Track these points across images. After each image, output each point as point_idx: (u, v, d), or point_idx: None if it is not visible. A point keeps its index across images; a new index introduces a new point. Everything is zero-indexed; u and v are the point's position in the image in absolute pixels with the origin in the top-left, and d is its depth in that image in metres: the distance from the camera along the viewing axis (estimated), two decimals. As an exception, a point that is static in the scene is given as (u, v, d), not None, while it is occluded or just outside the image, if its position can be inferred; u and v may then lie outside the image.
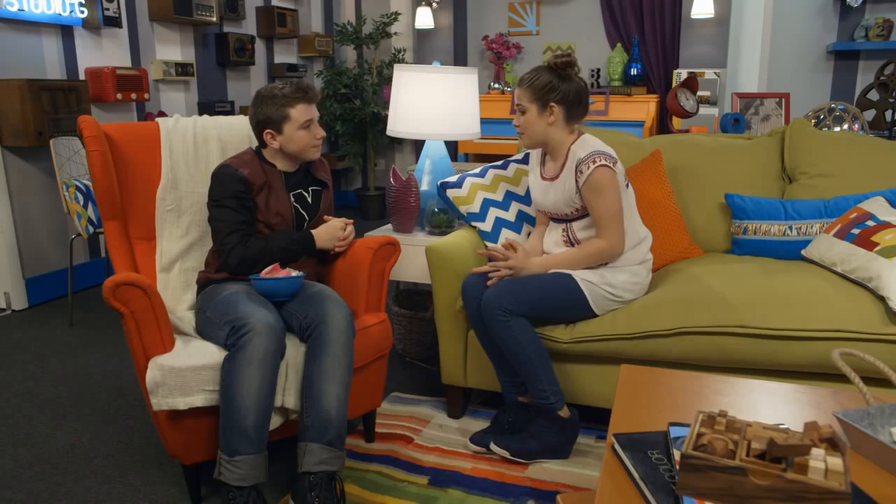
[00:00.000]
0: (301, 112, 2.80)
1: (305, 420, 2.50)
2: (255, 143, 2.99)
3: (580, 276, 2.83)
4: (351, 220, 3.00)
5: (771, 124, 4.59)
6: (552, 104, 2.82)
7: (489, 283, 2.86)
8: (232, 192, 2.77)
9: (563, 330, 2.88)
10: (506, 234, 3.26)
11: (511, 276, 2.83)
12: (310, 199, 2.98)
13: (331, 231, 2.94)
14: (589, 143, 2.85)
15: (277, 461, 2.92)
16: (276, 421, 2.56)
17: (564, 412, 2.83)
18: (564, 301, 2.83)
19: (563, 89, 2.82)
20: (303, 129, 2.82)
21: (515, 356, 2.76)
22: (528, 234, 3.28)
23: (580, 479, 2.76)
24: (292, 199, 2.92)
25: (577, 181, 2.81)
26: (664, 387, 2.03)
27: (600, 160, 2.75)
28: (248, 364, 2.38)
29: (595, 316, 2.88)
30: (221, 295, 2.66)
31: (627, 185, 2.93)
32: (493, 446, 2.88)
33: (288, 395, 2.56)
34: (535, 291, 2.79)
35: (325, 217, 3.01)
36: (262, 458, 2.41)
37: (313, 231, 2.91)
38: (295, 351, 2.58)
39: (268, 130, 2.83)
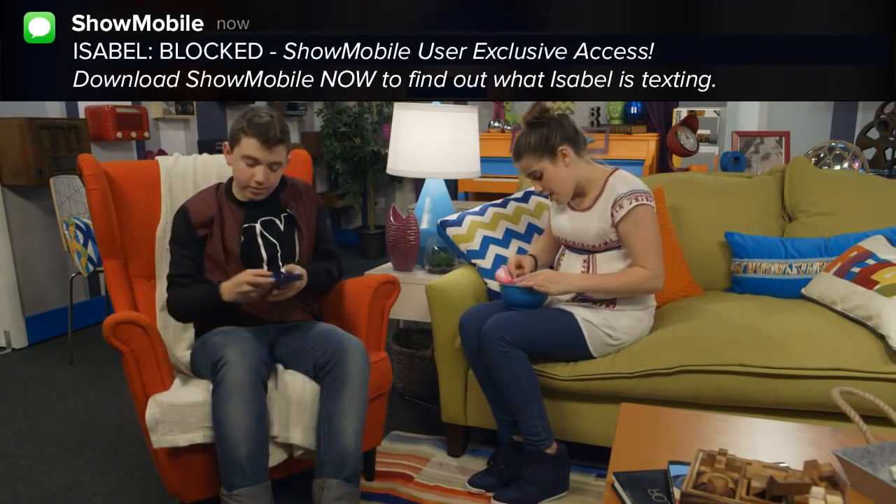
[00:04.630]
0: (248, 146, 2.64)
1: (323, 456, 2.49)
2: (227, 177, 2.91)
3: (582, 315, 2.80)
4: (267, 275, 2.60)
5: (771, 163, 4.61)
6: (560, 148, 2.78)
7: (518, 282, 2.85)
8: (178, 233, 2.74)
9: (564, 367, 2.87)
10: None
11: (544, 289, 2.80)
12: (282, 227, 2.83)
13: (236, 281, 2.61)
14: (629, 180, 2.81)
15: (288, 498, 2.87)
16: (280, 456, 2.56)
17: (552, 448, 2.80)
18: (563, 339, 2.81)
19: (557, 131, 2.78)
20: (243, 162, 2.67)
21: (511, 388, 2.74)
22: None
23: (581, 519, 2.75)
24: (258, 230, 2.77)
25: (612, 214, 2.75)
26: (664, 425, 2.02)
27: (642, 199, 2.72)
28: (228, 396, 2.38)
29: (592, 357, 2.86)
30: (211, 335, 2.66)
31: None
32: (494, 503, 2.83)
33: (294, 431, 2.55)
34: (537, 325, 2.78)
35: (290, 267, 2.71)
36: (262, 489, 2.40)
37: (223, 284, 2.64)
38: (300, 388, 2.58)
39: (226, 143, 2.73)
